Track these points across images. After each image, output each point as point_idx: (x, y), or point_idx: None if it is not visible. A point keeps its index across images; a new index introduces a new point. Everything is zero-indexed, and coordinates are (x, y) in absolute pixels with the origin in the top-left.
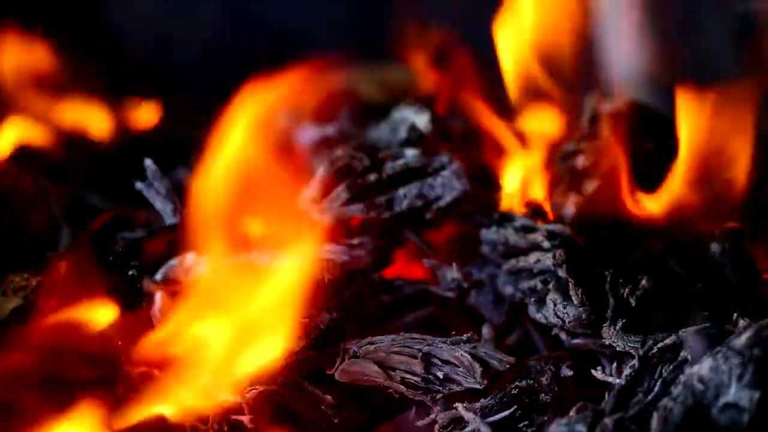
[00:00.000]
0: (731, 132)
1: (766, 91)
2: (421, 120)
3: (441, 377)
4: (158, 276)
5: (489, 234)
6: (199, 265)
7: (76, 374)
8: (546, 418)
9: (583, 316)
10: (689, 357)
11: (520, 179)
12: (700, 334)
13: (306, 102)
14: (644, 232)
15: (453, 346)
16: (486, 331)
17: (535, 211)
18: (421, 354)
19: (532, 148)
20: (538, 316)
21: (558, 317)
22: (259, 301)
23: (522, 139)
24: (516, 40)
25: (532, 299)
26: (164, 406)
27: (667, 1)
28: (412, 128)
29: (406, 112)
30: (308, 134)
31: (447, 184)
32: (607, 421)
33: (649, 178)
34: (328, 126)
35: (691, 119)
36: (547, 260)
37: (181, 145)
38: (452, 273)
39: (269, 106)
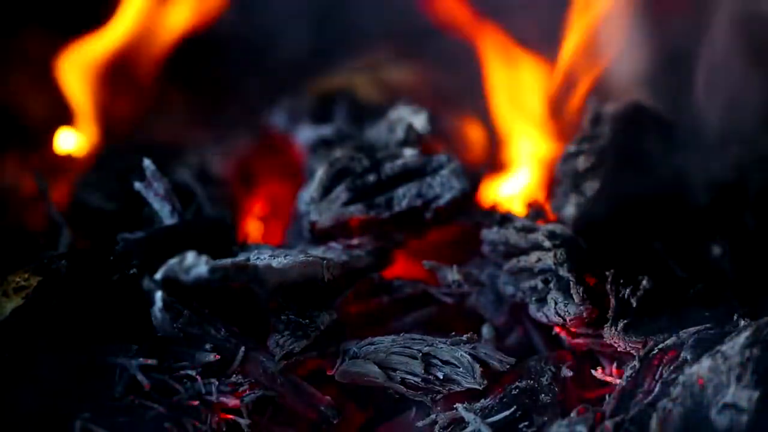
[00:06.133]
0: None
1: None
2: (418, 120)
3: (441, 377)
4: (158, 276)
5: (490, 234)
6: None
7: None
8: (546, 419)
9: (584, 314)
10: (689, 357)
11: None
12: (700, 334)
13: None
14: None
15: (453, 347)
16: (486, 331)
17: (535, 211)
18: (421, 354)
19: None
20: (539, 315)
21: (559, 315)
22: None
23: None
24: None
25: (533, 298)
26: None
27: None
28: (410, 128)
29: (403, 111)
30: (306, 135)
31: (446, 183)
32: (608, 422)
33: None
34: (325, 126)
35: None
36: (548, 259)
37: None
38: (452, 274)
39: None
